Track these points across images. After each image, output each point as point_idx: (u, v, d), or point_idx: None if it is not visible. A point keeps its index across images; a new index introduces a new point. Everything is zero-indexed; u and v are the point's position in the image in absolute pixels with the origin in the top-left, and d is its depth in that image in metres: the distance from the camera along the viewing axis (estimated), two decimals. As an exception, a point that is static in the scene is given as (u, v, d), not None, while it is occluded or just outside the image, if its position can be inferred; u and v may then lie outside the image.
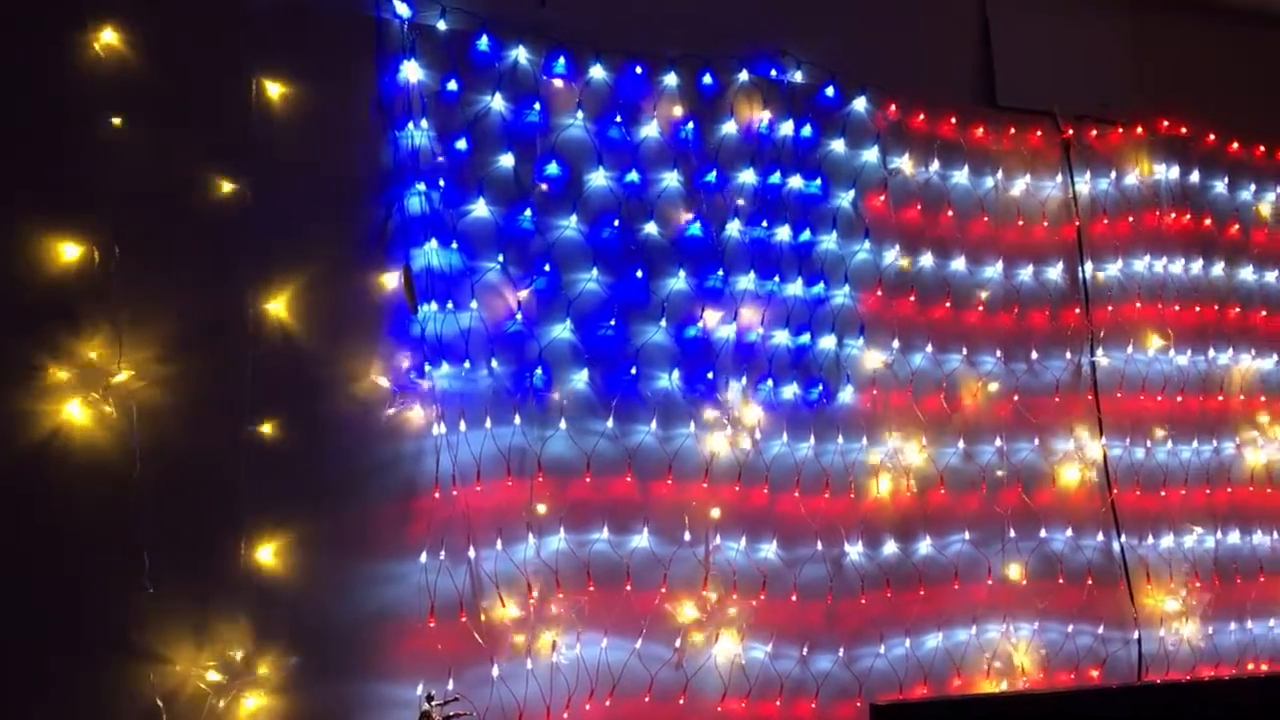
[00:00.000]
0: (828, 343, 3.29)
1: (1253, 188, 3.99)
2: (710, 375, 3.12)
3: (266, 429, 2.65)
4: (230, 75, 2.71)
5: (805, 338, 3.26)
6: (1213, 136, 3.93)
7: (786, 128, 3.30)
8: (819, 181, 3.33)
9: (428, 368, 2.80)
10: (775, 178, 3.27)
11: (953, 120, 3.54)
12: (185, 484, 2.56)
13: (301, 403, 2.70)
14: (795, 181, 3.30)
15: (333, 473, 2.72)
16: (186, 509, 2.56)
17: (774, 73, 3.31)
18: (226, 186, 2.67)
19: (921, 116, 3.50)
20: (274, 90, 2.74)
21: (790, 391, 3.22)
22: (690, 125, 3.17)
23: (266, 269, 2.69)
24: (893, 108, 3.45)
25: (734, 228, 3.20)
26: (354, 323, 2.77)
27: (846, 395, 3.30)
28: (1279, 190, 4.04)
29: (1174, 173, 3.85)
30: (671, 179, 3.14)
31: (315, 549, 2.67)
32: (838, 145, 3.37)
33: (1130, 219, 3.77)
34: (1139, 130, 3.80)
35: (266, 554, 2.62)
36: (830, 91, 3.37)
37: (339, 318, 2.76)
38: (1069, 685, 3.42)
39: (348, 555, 2.71)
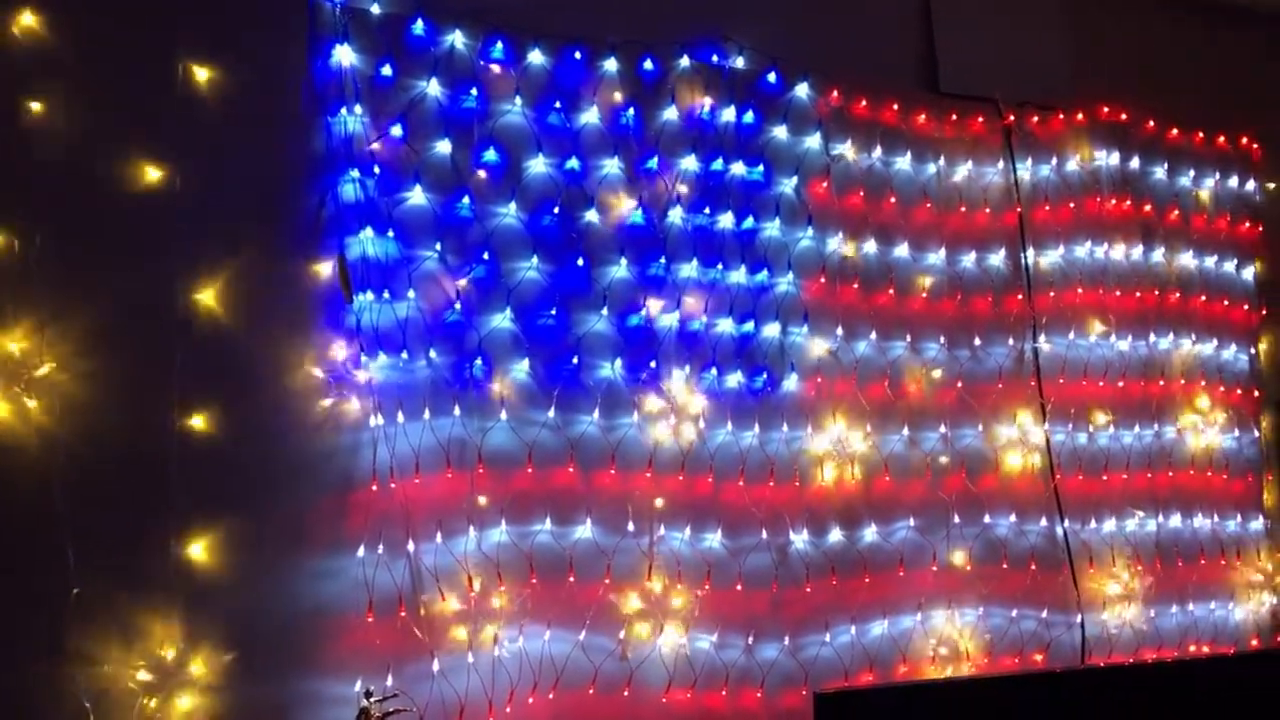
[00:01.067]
0: (772, 330, 3.27)
1: (1192, 173, 4.02)
2: (653, 364, 3.09)
3: (197, 422, 2.58)
4: (156, 59, 2.64)
5: (749, 326, 3.24)
6: (1152, 123, 3.95)
7: (728, 114, 3.27)
8: (761, 168, 3.31)
9: (364, 358, 2.75)
10: (718, 164, 3.24)
11: (895, 107, 3.54)
12: (112, 479, 2.50)
13: (233, 395, 2.63)
14: (738, 168, 3.27)
15: (267, 466, 2.66)
16: (113, 505, 2.50)
17: (715, 58, 3.28)
18: (153, 173, 2.60)
19: (864, 103, 3.49)
20: (202, 74, 2.67)
21: (734, 380, 3.20)
22: (631, 111, 3.13)
23: (195, 258, 2.63)
24: (835, 94, 3.44)
25: (676, 215, 3.17)
26: (287, 313, 2.71)
27: (791, 383, 3.28)
28: (1218, 176, 4.07)
29: (1114, 159, 3.87)
30: (612, 166, 3.10)
31: (249, 544, 2.61)
32: (780, 132, 3.35)
33: (1071, 205, 3.78)
34: (1080, 117, 3.82)
35: (198, 550, 2.56)
36: (772, 78, 3.34)
37: (271, 308, 2.69)
38: (1013, 669, 3.44)
39: (283, 550, 2.65)
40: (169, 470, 2.54)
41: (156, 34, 2.64)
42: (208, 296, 2.63)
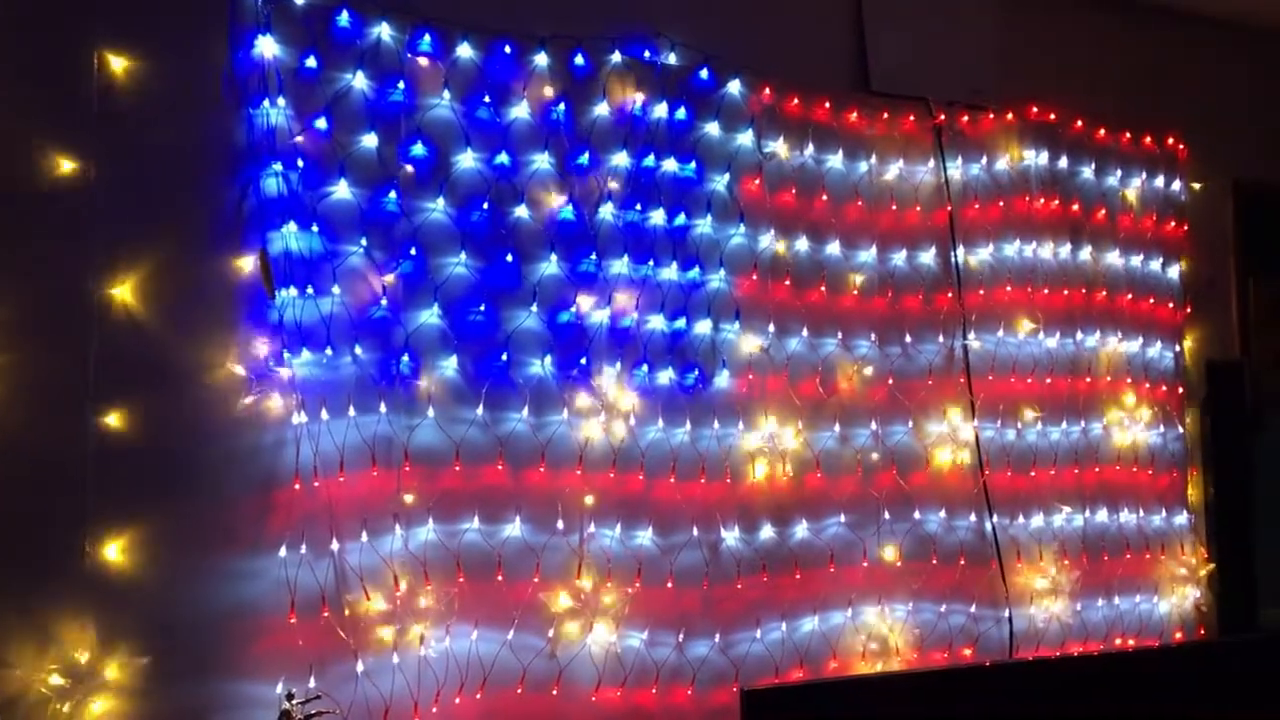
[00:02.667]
0: (703, 327, 3.26)
1: (1119, 173, 4.08)
2: (584, 361, 3.07)
3: (112, 420, 2.53)
4: (71, 47, 2.57)
5: (681, 322, 3.23)
6: (1080, 123, 4.00)
7: (660, 110, 3.26)
8: (693, 165, 3.30)
9: (287, 355, 2.70)
10: (649, 161, 3.22)
11: (827, 105, 3.54)
12: (23, 478, 2.44)
13: (151, 392, 2.58)
14: (669, 165, 3.26)
15: (186, 465, 2.61)
16: (24, 505, 2.44)
17: (647, 54, 3.27)
18: (67, 165, 2.54)
19: (796, 101, 3.49)
20: (118, 64, 2.60)
21: (666, 376, 3.19)
22: (562, 106, 3.11)
23: (111, 252, 2.57)
24: (767, 91, 3.44)
25: (607, 211, 3.15)
26: (207, 309, 2.66)
27: (722, 380, 3.28)
28: (1144, 176, 4.13)
29: (1043, 158, 3.91)
30: (543, 161, 3.07)
31: (167, 544, 2.57)
32: (712, 129, 3.34)
33: (1001, 204, 3.82)
34: (1009, 116, 3.86)
35: (113, 551, 2.50)
36: (704, 74, 3.33)
37: (191, 303, 2.64)
38: (942, 664, 3.47)
39: (202, 550, 2.60)
40: (82, 469, 2.49)
41: (71, 21, 2.58)
42: (124, 291, 2.57)
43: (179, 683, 2.55)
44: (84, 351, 2.51)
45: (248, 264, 2.69)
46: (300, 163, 2.75)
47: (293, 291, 2.72)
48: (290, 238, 2.72)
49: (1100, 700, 3.32)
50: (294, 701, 2.55)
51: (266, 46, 2.73)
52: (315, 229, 2.75)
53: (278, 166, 2.72)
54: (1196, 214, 4.26)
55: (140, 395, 2.57)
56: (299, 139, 2.75)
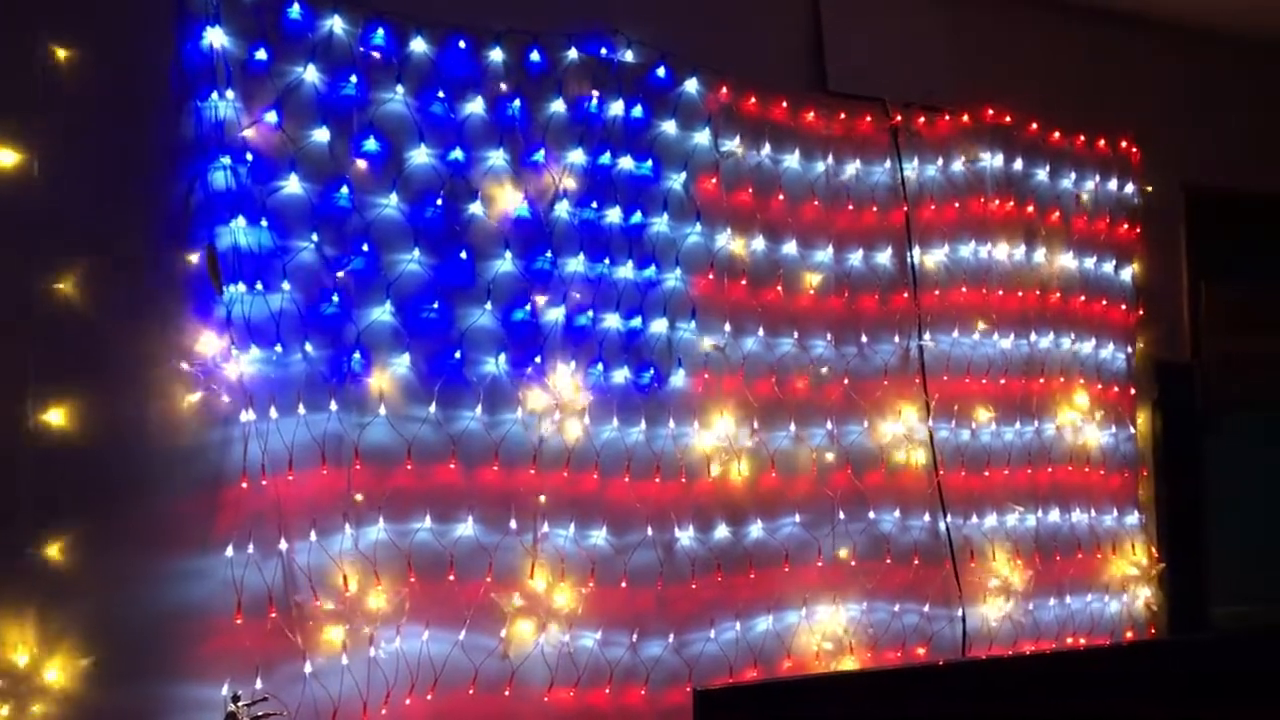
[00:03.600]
0: (659, 326, 3.25)
1: (1073, 176, 4.10)
2: (538, 359, 3.05)
3: (54, 417, 2.48)
4: (14, 37, 2.52)
5: (636, 321, 3.22)
6: (1035, 125, 4.02)
7: (617, 108, 3.24)
8: (650, 163, 3.28)
9: (235, 352, 2.66)
10: (605, 158, 3.21)
11: (784, 104, 3.54)
12: (-40, 477, 2.39)
13: (94, 389, 2.54)
14: (626, 163, 3.25)
15: (129, 463, 2.57)
16: (-39, 504, 2.39)
17: (604, 51, 3.25)
18: (9, 157, 2.49)
19: (753, 100, 3.49)
20: (62, 54, 2.55)
21: (621, 375, 3.18)
22: (517, 103, 3.08)
23: (54, 246, 2.52)
24: (724, 90, 3.43)
25: (563, 209, 3.13)
26: (153, 304, 2.62)
27: (678, 379, 3.27)
28: (1098, 179, 4.16)
29: (998, 160, 3.93)
30: (498, 158, 3.05)
31: (110, 544, 2.52)
32: (669, 127, 3.33)
33: (956, 205, 3.83)
34: (965, 118, 3.87)
35: (54, 550, 2.45)
36: (661, 72, 3.32)
37: (136, 299, 2.60)
38: (895, 663, 3.48)
39: (147, 550, 2.56)
40: (22, 467, 2.44)
41: (14, 11, 2.52)
42: (67, 286, 2.52)
43: (122, 685, 2.50)
44: (25, 347, 2.46)
45: (195, 259, 2.65)
46: (249, 156, 2.71)
47: (241, 287, 2.67)
48: (239, 232, 2.68)
49: (1052, 699, 3.34)
50: (240, 703, 2.52)
51: (215, 38, 2.69)
52: (265, 224, 2.71)
53: (226, 160, 2.67)
54: (1149, 216, 4.29)
55: (83, 392, 2.52)
56: (248, 132, 2.71)
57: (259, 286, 2.70)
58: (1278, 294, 4.86)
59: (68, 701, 2.44)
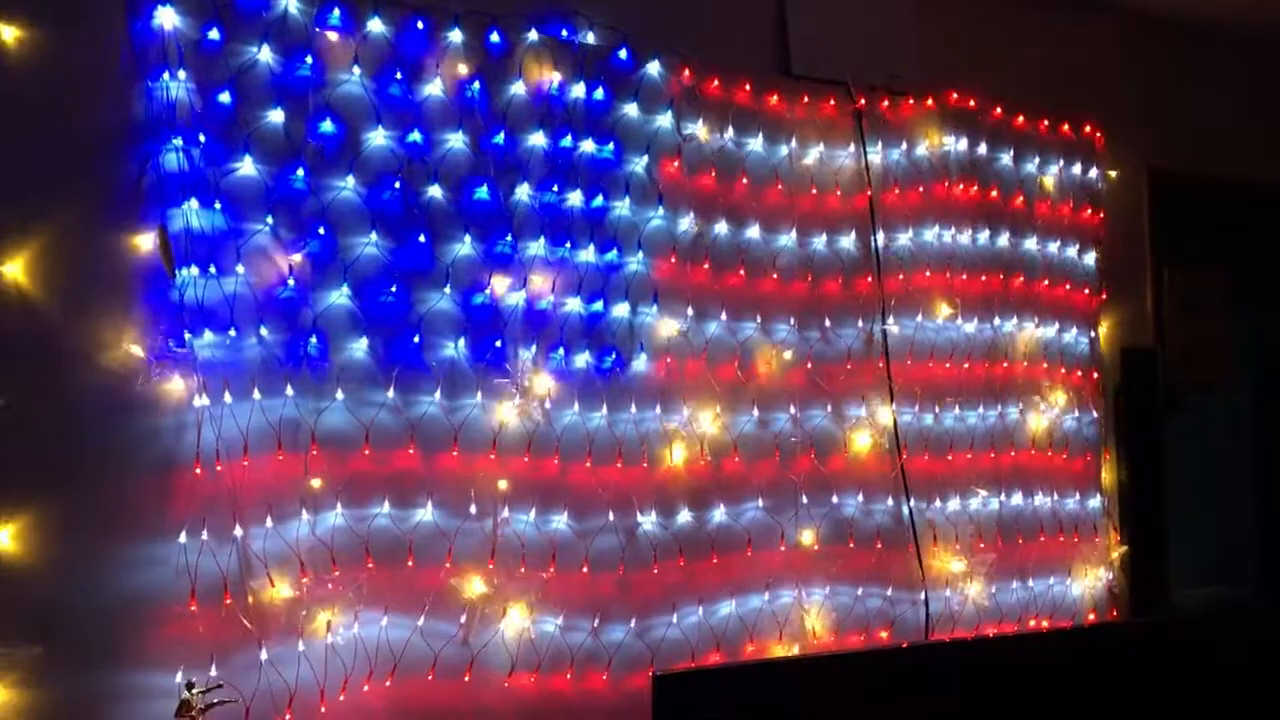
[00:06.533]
0: (621, 310, 3.23)
1: (1037, 160, 4.10)
2: (499, 344, 3.03)
3: (1, 402, 2.43)
4: (-43, 15, 2.48)
5: (598, 305, 3.20)
6: (999, 110, 4.02)
7: (578, 90, 3.22)
8: (612, 146, 3.26)
9: (188, 336, 2.62)
10: (566, 141, 3.18)
11: (747, 88, 3.52)
12: (-96, 463, 2.35)
13: (43, 374, 2.50)
14: (587, 145, 3.22)
15: (81, 449, 2.53)
16: (-94, 491, 2.35)
17: (565, 33, 3.22)
18: (-47, 137, 2.44)
19: (716, 83, 3.47)
20: (8, 33, 2.50)
21: (583, 360, 3.16)
22: (476, 85, 3.05)
23: (2, 228, 2.47)
24: (687, 73, 3.41)
25: (523, 192, 3.10)
26: (104, 288, 2.58)
27: (640, 363, 3.26)
28: (1061, 163, 4.17)
29: (963, 144, 3.93)
30: (457, 140, 3.02)
31: (61, 531, 2.48)
32: (631, 110, 3.31)
33: (920, 189, 3.83)
34: (929, 102, 3.87)
35: (4, 537, 2.41)
36: (623, 54, 3.29)
37: (86, 282, 2.56)
38: (858, 646, 3.48)
39: (98, 537, 2.53)
40: (-32, 453, 2.40)
41: (-43, -12, 2.48)
42: (14, 269, 2.48)
43: (73, 673, 2.47)
44: (-30, 332, 2.43)
45: (146, 242, 2.61)
46: (202, 138, 2.67)
47: (194, 270, 2.64)
48: (191, 215, 2.64)
49: (1015, 680, 3.36)
50: (194, 691, 2.49)
51: (166, 17, 2.64)
52: (218, 206, 2.68)
53: (178, 141, 2.63)
54: (1112, 201, 4.31)
55: (32, 376, 2.48)
56: (200, 113, 2.67)
57: (213, 270, 2.66)
58: (1241, 278, 4.91)
59: (19, 688, 2.41)
